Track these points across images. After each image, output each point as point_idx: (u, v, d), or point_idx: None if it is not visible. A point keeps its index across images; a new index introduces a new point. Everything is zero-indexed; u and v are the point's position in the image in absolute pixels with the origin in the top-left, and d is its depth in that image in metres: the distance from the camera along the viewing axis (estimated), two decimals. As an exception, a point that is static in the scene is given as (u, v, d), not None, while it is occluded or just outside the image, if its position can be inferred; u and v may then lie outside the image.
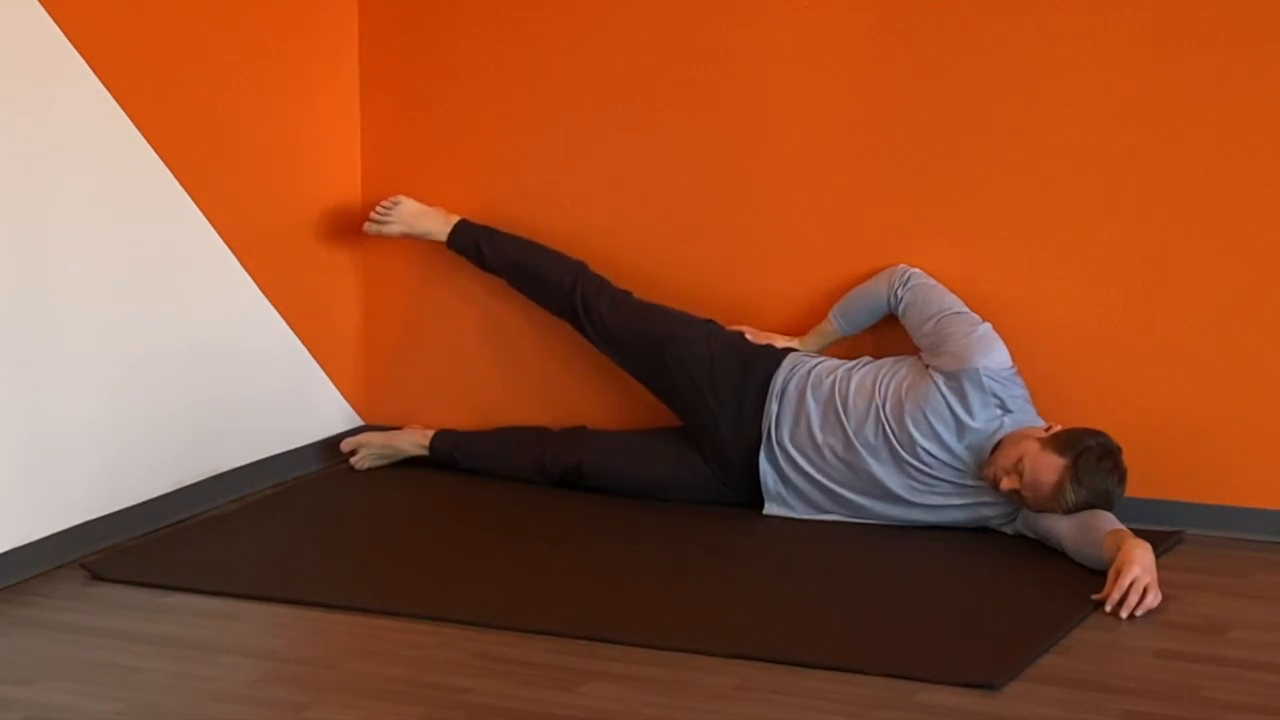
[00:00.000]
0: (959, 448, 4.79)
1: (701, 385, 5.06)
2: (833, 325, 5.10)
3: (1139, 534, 4.45)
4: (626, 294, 5.24)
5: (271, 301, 5.27)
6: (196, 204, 4.99)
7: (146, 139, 4.82)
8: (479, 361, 5.53)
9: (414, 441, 5.42)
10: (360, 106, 5.54)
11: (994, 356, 4.82)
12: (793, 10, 5.13)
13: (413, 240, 5.44)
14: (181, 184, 4.94)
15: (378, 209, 5.41)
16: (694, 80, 5.24)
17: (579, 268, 5.27)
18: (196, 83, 4.99)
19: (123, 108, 4.75)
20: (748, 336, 5.12)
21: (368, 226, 5.42)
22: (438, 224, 5.41)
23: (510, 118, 5.43)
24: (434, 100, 5.51)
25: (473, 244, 5.38)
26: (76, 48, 4.60)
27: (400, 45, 5.51)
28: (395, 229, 5.41)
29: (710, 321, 5.15)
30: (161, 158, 4.88)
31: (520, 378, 5.49)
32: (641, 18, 5.28)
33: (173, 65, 4.91)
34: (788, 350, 5.08)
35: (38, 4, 4.50)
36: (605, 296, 5.23)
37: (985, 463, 4.74)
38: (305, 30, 5.35)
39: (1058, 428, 4.70)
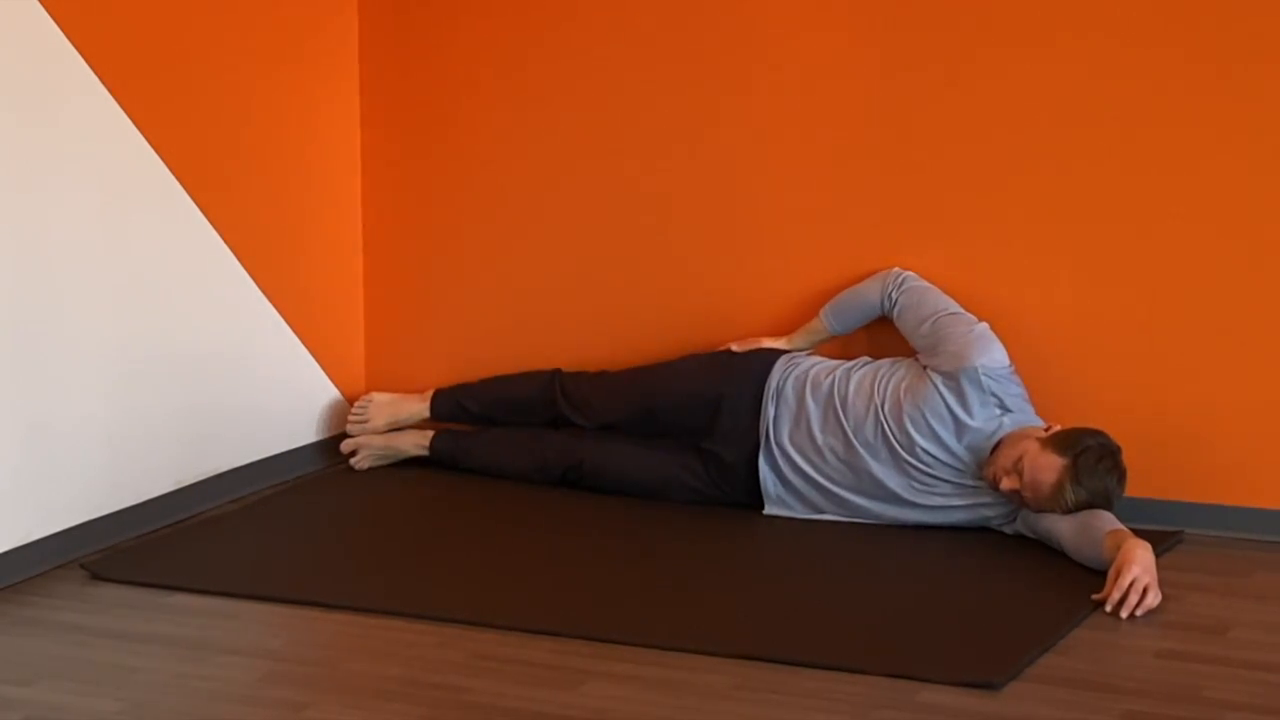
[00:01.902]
0: (958, 448, 4.79)
1: (693, 422, 5.06)
2: (823, 324, 5.10)
3: (1139, 534, 4.45)
4: (603, 373, 5.26)
5: (272, 301, 5.27)
6: (197, 205, 4.99)
7: (148, 141, 4.82)
8: (480, 363, 5.52)
9: (414, 442, 5.42)
10: (360, 108, 5.54)
11: (992, 355, 4.82)
12: (787, 16, 5.13)
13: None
14: (183, 185, 4.94)
15: (351, 413, 5.44)
16: (691, 85, 5.24)
17: (553, 375, 5.30)
18: (198, 85, 4.99)
19: (125, 110, 4.75)
20: (734, 349, 5.12)
21: (349, 428, 5.43)
22: (415, 405, 5.43)
23: (508, 117, 5.44)
24: (433, 103, 5.51)
25: (454, 405, 5.41)
26: (79, 51, 4.60)
27: (399, 49, 5.51)
28: (377, 424, 5.42)
29: (689, 357, 5.16)
30: (163, 159, 4.88)
31: (520, 378, 5.50)
32: (640, 23, 5.28)
33: (175, 68, 4.91)
34: (778, 351, 5.08)
35: (40, 8, 4.50)
36: (584, 385, 5.25)
37: (985, 463, 4.74)
38: (306, 32, 5.35)
39: (1057, 427, 4.70)
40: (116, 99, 4.72)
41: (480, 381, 5.42)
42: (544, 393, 5.29)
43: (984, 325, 4.88)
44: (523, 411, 5.34)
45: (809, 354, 5.09)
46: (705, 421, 5.05)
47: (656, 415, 5.14)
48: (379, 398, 5.46)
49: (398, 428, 5.43)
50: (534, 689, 3.90)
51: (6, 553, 4.51)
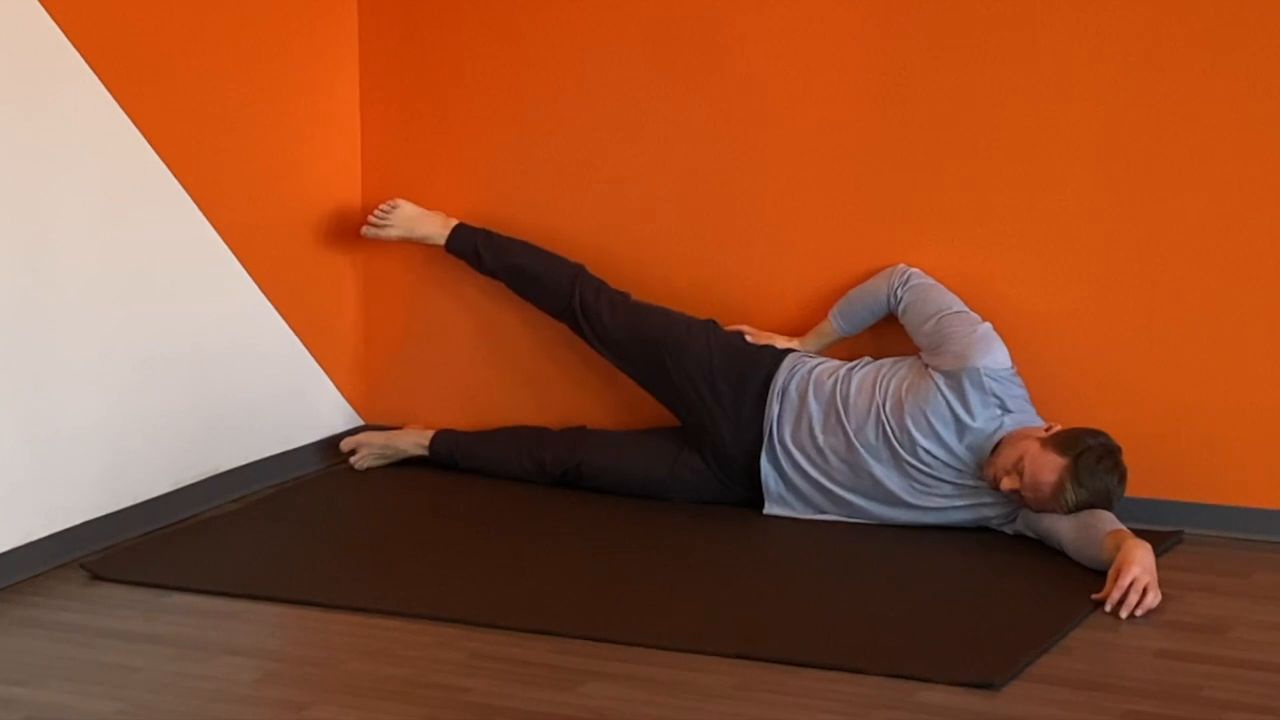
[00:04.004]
0: (959, 448, 4.79)
1: (700, 386, 5.06)
2: (832, 325, 5.10)
3: (1139, 534, 4.45)
4: (625, 295, 5.24)
5: (271, 301, 5.27)
6: (197, 204, 5.00)
7: (147, 139, 4.82)
8: (478, 362, 5.53)
9: (414, 441, 5.42)
10: (360, 106, 5.54)
11: (994, 356, 4.82)
12: (793, 13, 5.13)
13: (411, 243, 5.45)
14: (182, 184, 4.95)
15: (376, 212, 5.41)
16: (694, 81, 5.24)
17: (577, 270, 5.27)
18: (197, 83, 4.99)
19: (123, 108, 4.75)
20: (748, 337, 5.12)
21: (366, 230, 5.42)
22: (436, 227, 5.41)
23: (510, 119, 5.44)
24: (433, 101, 5.51)
25: (471, 247, 5.38)
26: (77, 48, 4.60)
27: (400, 46, 5.51)
28: (394, 232, 5.41)
29: (710, 322, 5.15)
30: (162, 158, 4.88)
31: (520, 378, 5.49)
32: (642, 20, 5.28)
33: (173, 65, 4.91)
34: (787, 351, 5.08)
35: (39, 6, 4.50)
36: (604, 298, 5.22)
37: (985, 463, 4.74)
38: (306, 31, 5.35)
39: (1058, 428, 4.70)
40: (115, 98, 4.72)
41: (508, 239, 5.36)
42: (563, 287, 5.24)
43: (987, 325, 4.88)
44: (534, 291, 5.31)
45: (815, 354, 5.09)
46: (704, 399, 5.03)
47: (665, 366, 5.07)
48: (406, 207, 5.41)
49: (408, 240, 5.39)
50: (534, 689, 3.90)
51: (6, 553, 4.51)
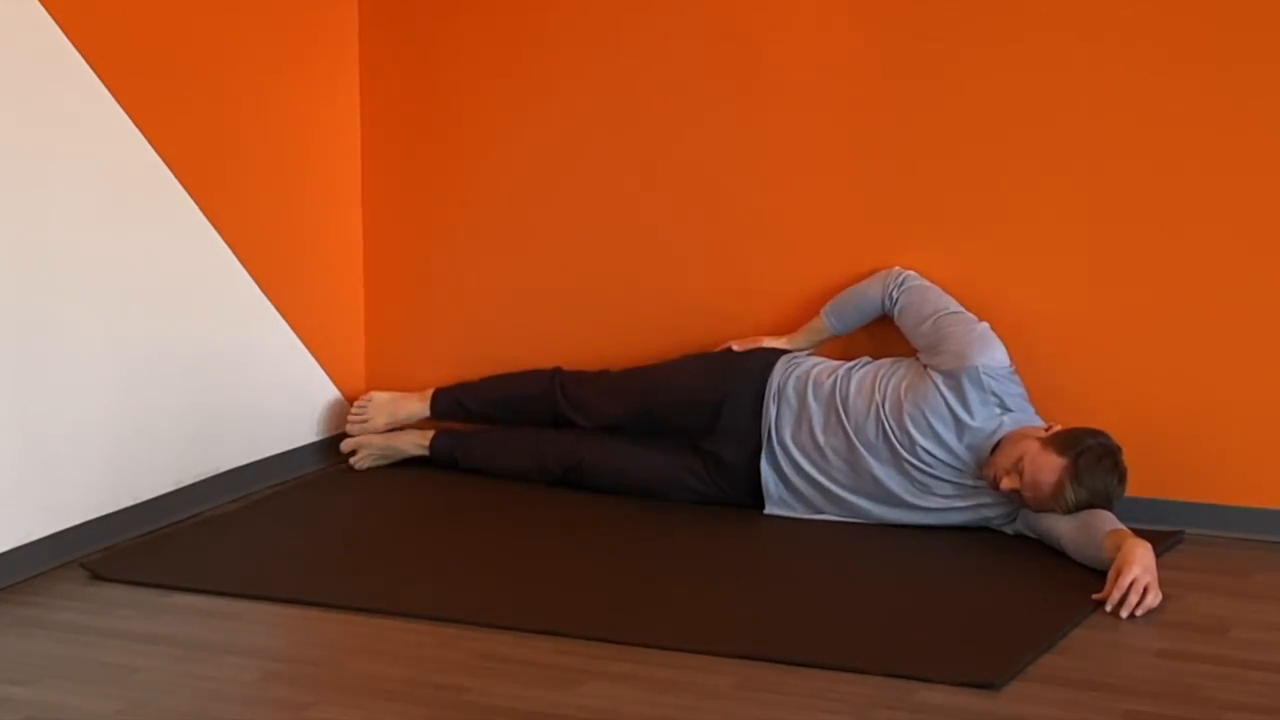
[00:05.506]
0: (959, 447, 4.79)
1: (694, 422, 5.06)
2: (824, 324, 5.10)
3: (1139, 534, 4.45)
4: (603, 373, 5.26)
5: (271, 301, 5.27)
6: (197, 204, 5.00)
7: (148, 140, 4.82)
8: (479, 362, 5.52)
9: (414, 441, 5.42)
10: (360, 108, 5.54)
11: (992, 355, 4.82)
12: (788, 16, 5.13)
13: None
14: (183, 185, 4.94)
15: (351, 411, 5.45)
16: (688, 84, 5.24)
17: (553, 373, 5.30)
18: (199, 85, 4.99)
19: (125, 110, 4.75)
20: (734, 348, 5.12)
21: (349, 427, 5.45)
22: (415, 404, 5.43)
23: (508, 117, 5.44)
24: (433, 103, 5.51)
25: (454, 404, 5.41)
26: (77, 48, 4.60)
27: (400, 49, 5.51)
28: (378, 423, 5.44)
29: (689, 357, 5.15)
30: (163, 159, 4.88)
31: (520, 378, 5.50)
32: (640, 22, 5.28)
33: (174, 67, 4.91)
34: (778, 352, 5.07)
35: (40, 8, 4.50)
36: (585, 384, 5.25)
37: (985, 463, 4.74)
38: (306, 32, 5.35)
39: (1058, 427, 4.71)
40: (117, 99, 4.72)
41: (481, 380, 5.42)
42: (544, 392, 5.29)
43: (985, 325, 4.89)
44: (523, 410, 5.34)
45: (810, 354, 5.09)
46: (705, 422, 5.05)
47: (655, 415, 5.14)
48: (379, 397, 5.46)
49: (398, 426, 5.44)
50: (534, 689, 3.91)
51: (6, 553, 4.51)
